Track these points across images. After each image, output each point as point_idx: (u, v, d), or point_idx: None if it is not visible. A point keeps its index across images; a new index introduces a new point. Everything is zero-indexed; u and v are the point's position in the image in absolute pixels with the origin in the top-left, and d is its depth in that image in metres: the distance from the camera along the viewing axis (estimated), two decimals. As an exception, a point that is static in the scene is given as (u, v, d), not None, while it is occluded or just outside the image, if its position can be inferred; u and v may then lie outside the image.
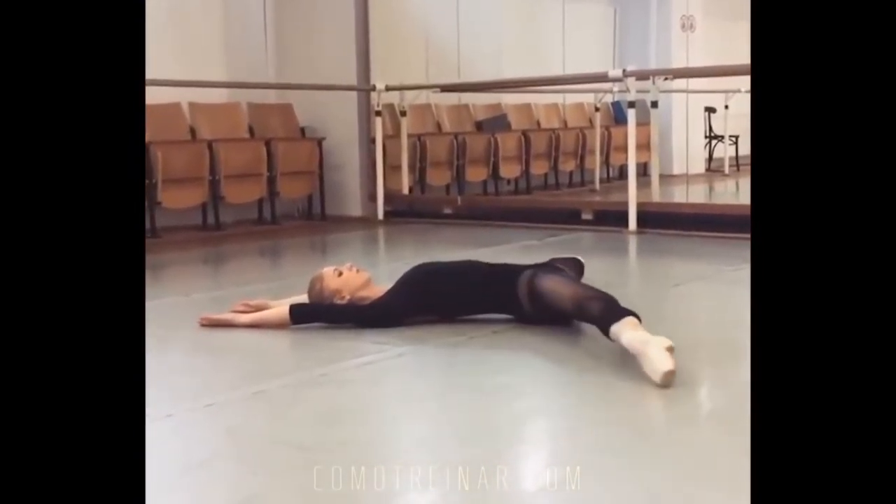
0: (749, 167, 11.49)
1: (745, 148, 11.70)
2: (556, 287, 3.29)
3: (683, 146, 11.06)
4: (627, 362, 2.99)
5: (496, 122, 9.85)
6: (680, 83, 9.74)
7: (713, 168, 11.76)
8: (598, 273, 4.80)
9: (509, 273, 3.45)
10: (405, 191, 8.06)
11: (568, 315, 3.30)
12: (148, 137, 6.82)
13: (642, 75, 7.16)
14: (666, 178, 9.56)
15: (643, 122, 7.33)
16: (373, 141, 7.93)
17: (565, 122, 10.90)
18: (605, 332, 2.95)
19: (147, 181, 6.69)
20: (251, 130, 7.86)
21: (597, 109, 10.42)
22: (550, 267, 3.57)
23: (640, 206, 6.58)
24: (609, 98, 10.48)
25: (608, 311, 2.99)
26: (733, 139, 11.49)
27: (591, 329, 3.41)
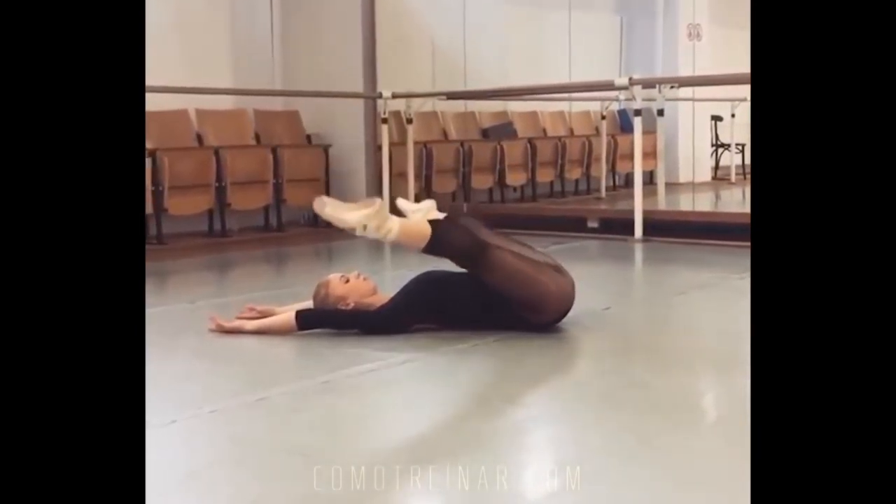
0: (755, 175, 11.53)
1: (752, 156, 11.66)
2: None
3: (690, 154, 11.05)
4: (631, 370, 2.99)
5: (502, 130, 9.85)
6: (686, 91, 9.72)
7: (720, 176, 11.76)
8: (604, 281, 4.80)
9: None
10: (411, 198, 8.05)
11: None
12: (154, 144, 6.85)
13: (648, 83, 7.15)
14: (672, 186, 9.55)
15: (649, 131, 7.33)
16: (379, 148, 7.94)
17: (571, 130, 10.90)
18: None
19: (153, 188, 6.71)
20: (257, 137, 7.88)
21: (603, 117, 10.42)
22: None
23: (646, 213, 6.58)
24: (615, 106, 10.48)
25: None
26: (740, 147, 11.47)
27: (593, 335, 3.42)
